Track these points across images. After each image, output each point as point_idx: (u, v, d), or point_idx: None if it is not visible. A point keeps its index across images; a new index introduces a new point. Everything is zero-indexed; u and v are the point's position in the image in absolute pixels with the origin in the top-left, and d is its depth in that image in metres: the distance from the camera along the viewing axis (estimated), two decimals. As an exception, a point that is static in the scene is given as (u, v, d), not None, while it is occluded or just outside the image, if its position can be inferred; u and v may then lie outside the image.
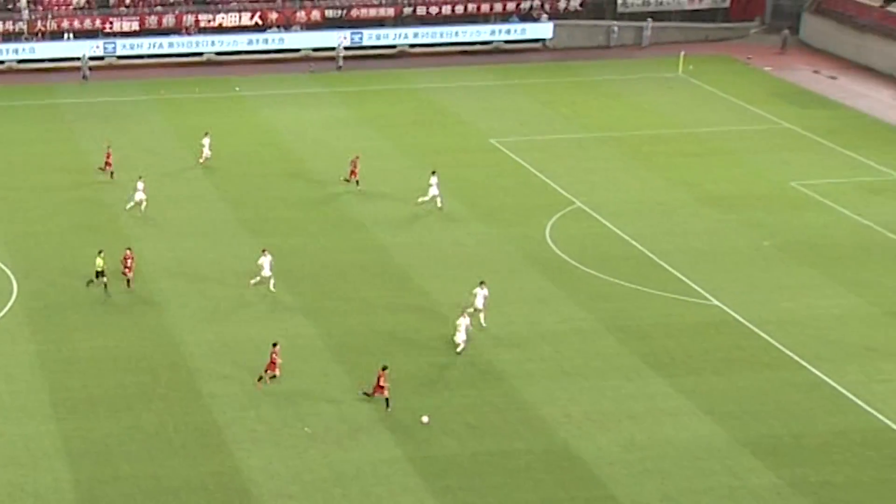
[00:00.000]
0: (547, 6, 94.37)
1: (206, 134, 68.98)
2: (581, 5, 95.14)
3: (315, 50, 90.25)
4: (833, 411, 44.81)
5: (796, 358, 48.38)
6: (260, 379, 46.10)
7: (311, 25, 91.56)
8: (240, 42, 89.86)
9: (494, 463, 41.91)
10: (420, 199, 62.37)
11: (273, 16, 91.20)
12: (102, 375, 47.24)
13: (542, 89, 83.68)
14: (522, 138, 73.65)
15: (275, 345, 46.32)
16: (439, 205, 62.18)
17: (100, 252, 53.88)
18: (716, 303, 52.94)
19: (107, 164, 66.48)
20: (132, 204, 61.73)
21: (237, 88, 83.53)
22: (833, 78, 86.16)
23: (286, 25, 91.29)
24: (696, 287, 54.26)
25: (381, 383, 44.73)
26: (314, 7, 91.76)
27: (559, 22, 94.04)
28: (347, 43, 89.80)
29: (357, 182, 65.11)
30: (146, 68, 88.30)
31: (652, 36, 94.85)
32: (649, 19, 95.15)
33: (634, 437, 43.15)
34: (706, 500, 39.74)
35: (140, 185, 61.97)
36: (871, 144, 72.28)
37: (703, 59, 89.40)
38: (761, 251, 58.09)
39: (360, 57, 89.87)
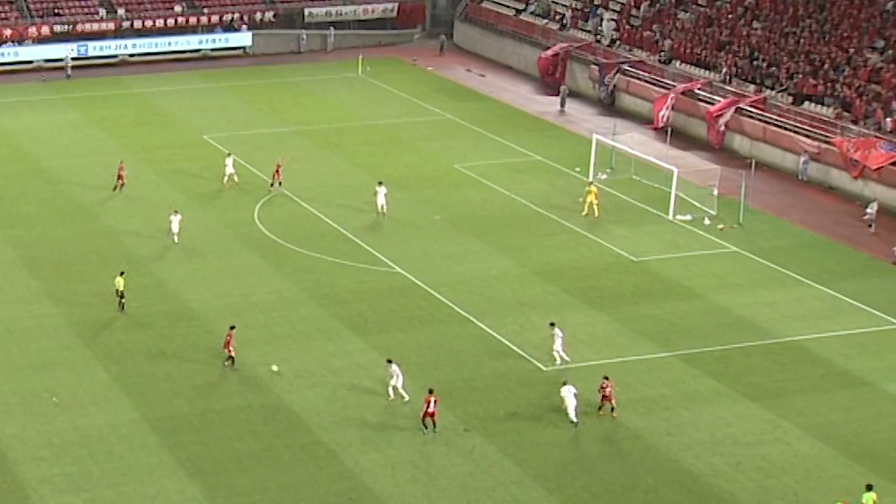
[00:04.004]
0: (245, 18, 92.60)
1: (229, 154, 63.33)
2: (274, 17, 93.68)
3: (46, 61, 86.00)
4: (495, 357, 45.33)
5: (465, 314, 48.74)
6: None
7: (41, 39, 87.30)
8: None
9: (219, 419, 40.87)
10: (379, 209, 57.94)
11: (7, 32, 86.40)
12: None
13: (246, 90, 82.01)
14: (231, 134, 71.96)
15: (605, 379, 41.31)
16: (384, 212, 57.94)
17: (121, 273, 48.73)
18: (398, 270, 52.91)
19: (119, 178, 60.80)
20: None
21: (-23, 97, 79.11)
22: (482, 76, 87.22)
23: (19, 40, 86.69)
24: (382, 257, 54.10)
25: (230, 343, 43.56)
26: (44, 23, 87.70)
27: (257, 31, 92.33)
28: (75, 54, 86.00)
29: (280, 183, 61.18)
30: None
31: (335, 42, 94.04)
32: (332, 28, 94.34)
33: (336, 390, 42.70)
34: (398, 440, 39.68)
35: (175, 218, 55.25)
36: (514, 131, 73.39)
37: (378, 61, 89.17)
38: (433, 224, 58.31)
39: (87, 66, 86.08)
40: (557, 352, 44.43)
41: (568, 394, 40.74)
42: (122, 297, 48.08)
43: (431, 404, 39.53)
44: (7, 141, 70.20)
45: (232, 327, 44.34)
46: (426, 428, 39.80)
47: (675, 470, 38.41)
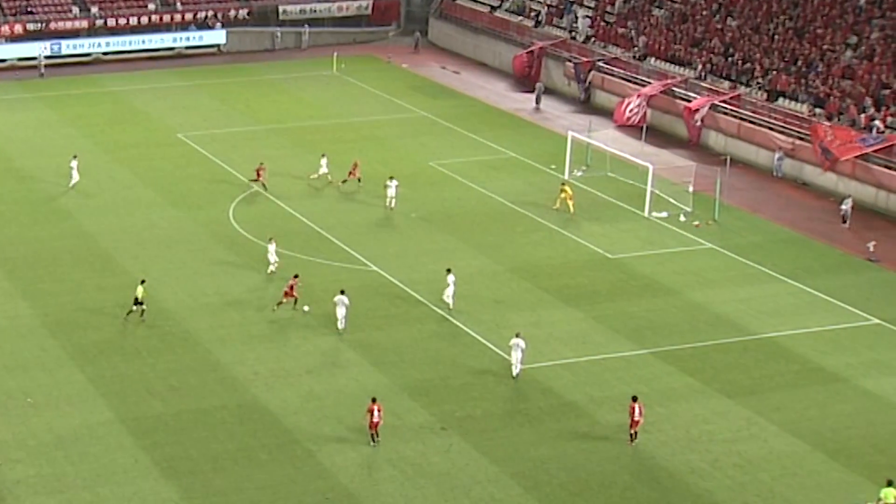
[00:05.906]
0: (219, 15, 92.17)
1: (323, 155, 62.85)
2: (248, 14, 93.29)
3: (20, 59, 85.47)
4: (471, 355, 45.21)
5: (441, 312, 48.57)
6: None
7: (14, 38, 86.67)
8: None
9: (195, 419, 40.66)
10: (387, 202, 58.70)
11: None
12: None
13: (220, 88, 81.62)
14: (205, 132, 71.62)
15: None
16: (392, 206, 58.56)
17: (142, 281, 47.73)
18: (374, 268, 52.72)
19: (258, 175, 60.71)
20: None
21: (-51, 96, 78.39)
22: (457, 73, 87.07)
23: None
24: (358, 255, 53.93)
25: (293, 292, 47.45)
26: (17, 22, 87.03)
27: (231, 29, 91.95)
28: (48, 52, 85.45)
29: (359, 179, 61.29)
30: None
31: (310, 39, 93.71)
32: (307, 25, 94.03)
33: (313, 389, 42.56)
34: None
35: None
36: (489, 128, 73.24)
37: (353, 58, 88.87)
38: (409, 222, 58.13)
39: (60, 65, 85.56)
40: (448, 297, 47.64)
41: (515, 347, 42.31)
42: (140, 303, 46.84)
43: (376, 413, 38.64)
44: (-20, 140, 69.78)
45: (295, 276, 47.92)
46: (373, 440, 38.89)
47: (651, 467, 38.40)
